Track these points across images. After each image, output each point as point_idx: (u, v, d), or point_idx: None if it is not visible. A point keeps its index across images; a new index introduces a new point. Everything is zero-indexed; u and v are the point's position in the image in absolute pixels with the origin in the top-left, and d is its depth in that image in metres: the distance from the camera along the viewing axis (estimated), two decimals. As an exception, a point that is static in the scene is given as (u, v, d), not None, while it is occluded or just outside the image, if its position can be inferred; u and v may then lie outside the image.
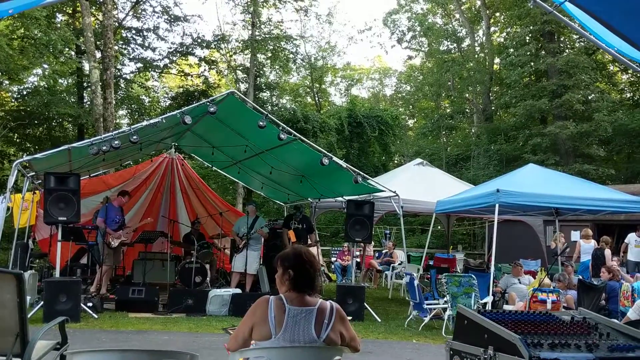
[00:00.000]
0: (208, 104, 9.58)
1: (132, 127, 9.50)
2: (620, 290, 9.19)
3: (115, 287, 10.58)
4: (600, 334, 2.90)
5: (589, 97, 24.55)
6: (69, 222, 8.81)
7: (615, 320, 5.09)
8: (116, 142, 8.93)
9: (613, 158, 26.60)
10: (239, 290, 10.23)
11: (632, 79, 27.25)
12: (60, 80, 23.78)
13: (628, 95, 28.68)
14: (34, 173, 10.57)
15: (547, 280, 9.81)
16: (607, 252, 11.24)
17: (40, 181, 10.94)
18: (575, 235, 14.44)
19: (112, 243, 10.43)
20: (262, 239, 11.73)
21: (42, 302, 8.41)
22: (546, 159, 22.91)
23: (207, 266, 11.70)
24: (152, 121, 9.47)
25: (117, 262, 11.23)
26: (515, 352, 2.58)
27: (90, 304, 9.03)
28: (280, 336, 3.04)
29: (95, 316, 8.78)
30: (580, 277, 10.38)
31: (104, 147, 8.91)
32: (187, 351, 3.04)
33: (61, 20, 23.45)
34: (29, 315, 7.55)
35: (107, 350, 2.92)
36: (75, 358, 2.86)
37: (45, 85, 21.58)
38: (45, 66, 20.93)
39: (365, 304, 10.25)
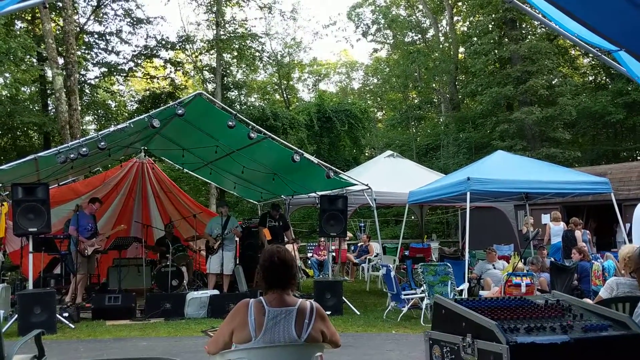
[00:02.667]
0: (176, 106, 9.51)
1: (100, 133, 9.36)
2: (592, 270, 9.40)
3: (91, 296, 10.44)
4: (574, 315, 2.97)
5: (553, 82, 25.04)
6: (40, 232, 8.65)
7: (588, 300, 5.21)
8: (84, 149, 8.80)
9: (578, 141, 27.16)
10: (216, 292, 10.18)
11: (593, 62, 27.77)
12: (23, 89, 23.35)
13: (590, 78, 29.28)
14: (0, 185, 10.37)
15: (520, 265, 9.98)
16: (578, 233, 11.47)
17: (8, 192, 10.72)
18: (545, 218, 14.72)
19: (86, 251, 10.29)
20: (236, 239, 11.71)
21: (16, 316, 8.26)
22: (514, 144, 23.29)
23: (184, 269, 11.63)
24: (119, 126, 9.38)
25: (92, 270, 11.07)
26: (493, 338, 2.63)
27: (66, 314, 8.90)
28: (260, 339, 3.05)
29: (72, 326, 8.66)
30: (552, 259, 10.59)
31: (72, 155, 8.77)
32: (167, 357, 3.03)
33: (20, 27, 23.02)
34: (3, 330, 7.44)
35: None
36: (54, 371, 2.81)
37: (8, 94, 21.16)
38: (7, 75, 20.50)
39: (343, 297, 10.30)
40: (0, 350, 3.79)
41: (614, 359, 2.77)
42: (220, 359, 3.20)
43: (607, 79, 26.71)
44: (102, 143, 8.95)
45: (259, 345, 3.04)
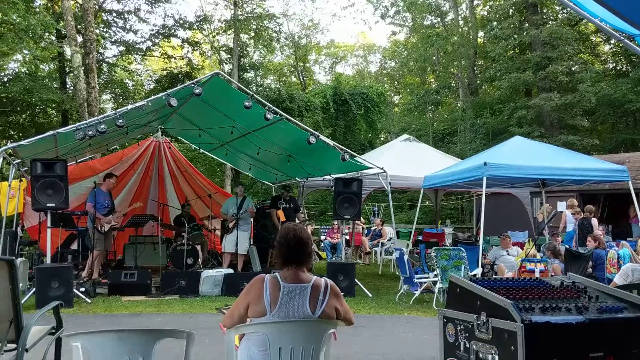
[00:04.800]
0: (193, 85, 9.51)
1: (118, 110, 9.41)
2: (607, 258, 9.34)
3: (107, 272, 10.58)
4: (589, 297, 2.98)
5: (573, 69, 24.68)
6: (58, 208, 8.75)
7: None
8: (102, 126, 8.85)
9: (597, 128, 26.83)
10: (231, 271, 10.27)
11: (614, 50, 27.34)
12: (41, 66, 23.46)
13: (611, 65, 28.83)
14: (19, 160, 10.48)
15: (534, 251, 9.93)
16: (594, 221, 11.40)
17: (26, 168, 10.84)
18: (561, 205, 14.61)
19: (103, 228, 10.41)
20: (251, 219, 11.78)
21: (34, 289, 8.39)
22: (531, 131, 23.07)
23: (199, 248, 11.74)
24: (137, 104, 9.42)
25: (108, 247, 11.21)
26: (508, 317, 2.64)
27: (82, 289, 9.03)
28: (275, 313, 3.10)
29: (89, 301, 8.79)
30: (567, 247, 10.53)
31: (90, 132, 8.83)
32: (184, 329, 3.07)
33: (40, 4, 23.07)
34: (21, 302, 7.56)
35: (103, 332, 2.93)
36: (72, 340, 2.87)
37: (27, 71, 21.27)
38: (26, 52, 20.60)
39: (356, 280, 10.33)
40: (20, 321, 3.86)
41: (628, 340, 2.77)
42: (235, 333, 3.25)
43: (628, 67, 26.29)
44: (120, 121, 9.01)
45: (274, 320, 3.08)
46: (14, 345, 3.77)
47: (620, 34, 4.29)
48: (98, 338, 2.88)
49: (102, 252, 10.83)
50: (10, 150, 9.95)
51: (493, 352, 2.73)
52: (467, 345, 2.92)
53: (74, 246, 11.82)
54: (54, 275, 8.32)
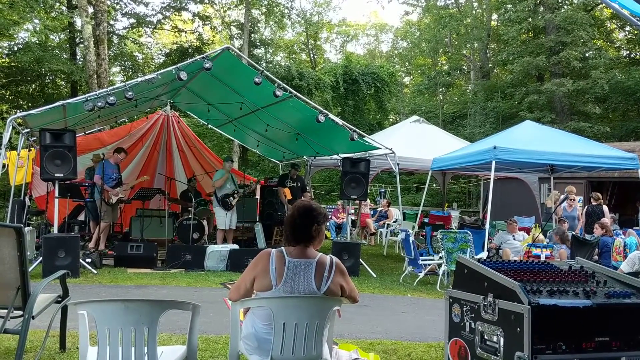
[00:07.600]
0: (203, 59, 9.46)
1: (127, 82, 9.39)
2: (613, 246, 9.31)
3: (114, 244, 10.64)
4: (597, 281, 2.97)
5: (586, 54, 24.42)
6: (66, 178, 8.77)
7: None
8: (111, 98, 8.83)
9: (608, 116, 26.62)
10: (236, 246, 10.30)
11: (629, 37, 27.00)
12: (52, 36, 23.40)
13: (625, 53, 28.51)
14: (28, 130, 10.49)
15: (541, 237, 9.91)
16: (605, 208, 11.37)
17: (35, 138, 10.86)
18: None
19: (110, 200, 10.45)
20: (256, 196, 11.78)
21: (40, 258, 8.45)
22: (542, 116, 22.91)
23: (205, 223, 11.76)
24: (147, 77, 9.38)
25: (115, 219, 11.26)
26: (515, 299, 2.64)
27: (89, 260, 9.09)
28: (280, 287, 3.10)
29: (95, 272, 8.84)
30: (573, 233, 10.50)
31: (99, 103, 8.81)
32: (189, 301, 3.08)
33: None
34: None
35: (110, 301, 2.94)
36: (79, 308, 2.88)
37: (37, 41, 21.22)
38: (36, 21, 20.53)
39: (360, 260, 10.34)
40: (27, 288, 3.88)
41: (635, 326, 2.76)
42: (240, 307, 3.26)
43: (643, 54, 26.02)
44: (130, 93, 9.00)
45: (279, 295, 3.09)
46: (20, 312, 3.79)
47: (638, 19, 4.22)
48: (104, 307, 2.89)
49: (109, 224, 10.87)
50: (19, 120, 9.95)
51: (498, 333, 2.73)
52: (473, 325, 2.93)
53: (81, 217, 11.88)
54: (61, 245, 8.35)
